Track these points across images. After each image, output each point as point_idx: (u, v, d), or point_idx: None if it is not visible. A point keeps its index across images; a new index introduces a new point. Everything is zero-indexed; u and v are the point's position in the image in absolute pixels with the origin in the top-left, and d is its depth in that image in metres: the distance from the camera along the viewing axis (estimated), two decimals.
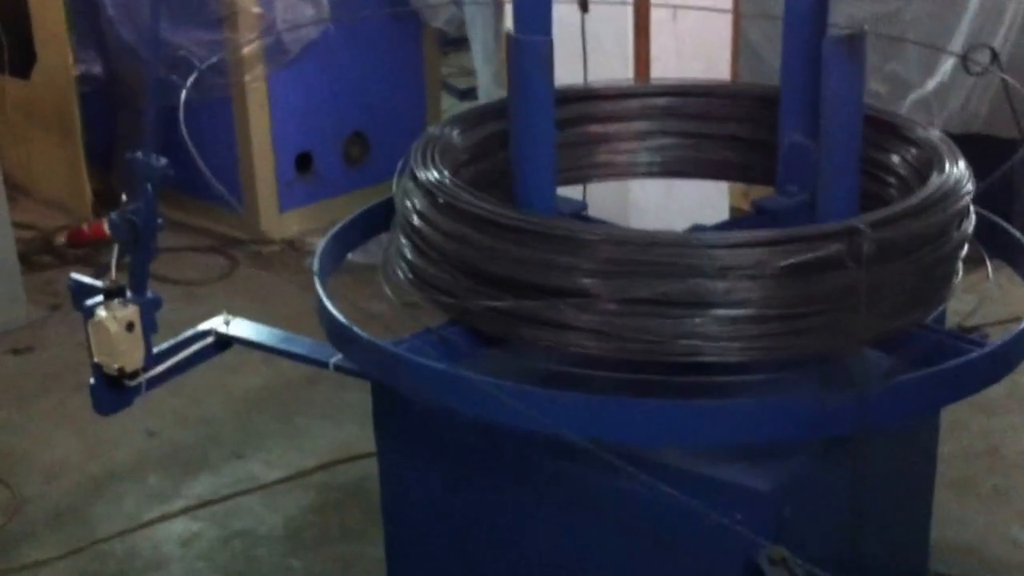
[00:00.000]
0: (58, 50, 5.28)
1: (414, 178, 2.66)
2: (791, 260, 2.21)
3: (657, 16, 3.89)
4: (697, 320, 2.27)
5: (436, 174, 2.62)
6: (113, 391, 2.92)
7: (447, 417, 2.61)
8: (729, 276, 2.22)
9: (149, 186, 2.83)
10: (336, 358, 2.85)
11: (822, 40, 2.52)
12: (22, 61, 5.47)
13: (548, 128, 2.61)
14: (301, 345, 3.01)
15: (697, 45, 3.96)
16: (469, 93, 6.25)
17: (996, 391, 2.72)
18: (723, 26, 4.05)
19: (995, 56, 2.63)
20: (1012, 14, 4.50)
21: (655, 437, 2.34)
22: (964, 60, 2.76)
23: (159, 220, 2.89)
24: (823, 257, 2.22)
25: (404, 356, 2.41)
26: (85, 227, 5.25)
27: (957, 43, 4.44)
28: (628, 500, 2.51)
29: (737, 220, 3.64)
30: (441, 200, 2.53)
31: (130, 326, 2.83)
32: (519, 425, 2.34)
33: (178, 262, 5.12)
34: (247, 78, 5.11)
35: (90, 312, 2.83)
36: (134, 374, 2.89)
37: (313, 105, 5.29)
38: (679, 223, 3.19)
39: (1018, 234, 2.72)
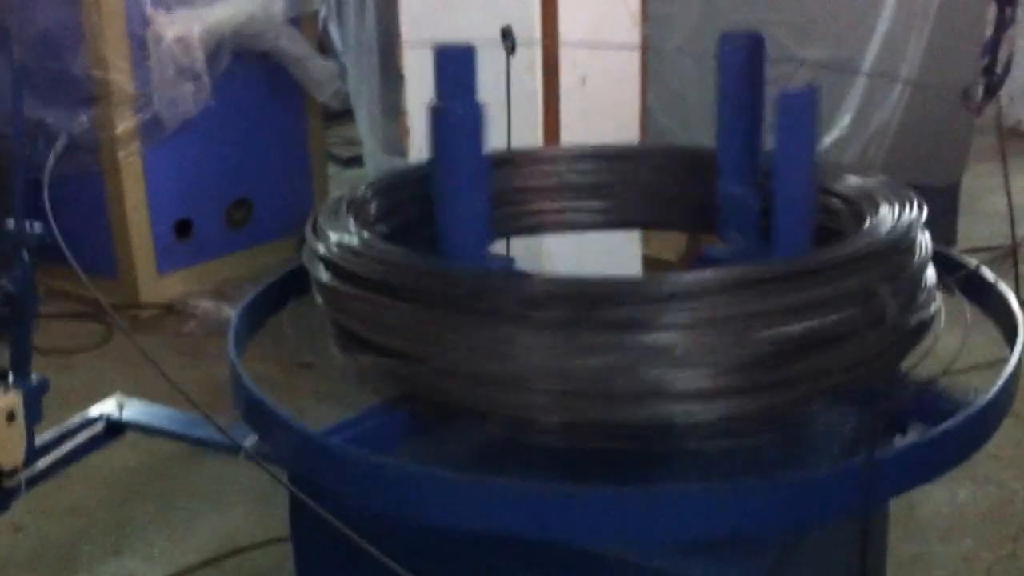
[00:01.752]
0: None
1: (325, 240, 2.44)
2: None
3: (567, 84, 3.80)
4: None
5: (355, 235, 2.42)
6: None
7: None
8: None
9: (25, 253, 2.54)
10: (250, 442, 2.58)
11: (779, 94, 2.41)
12: None
13: (482, 191, 2.47)
14: (207, 430, 2.73)
15: (607, 110, 3.87)
16: (353, 161, 6.43)
17: None
18: (632, 92, 3.99)
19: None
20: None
21: (621, 534, 2.07)
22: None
23: (38, 293, 2.60)
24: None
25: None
26: None
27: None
28: None
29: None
30: (366, 261, 2.31)
31: (10, 416, 2.53)
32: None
33: (49, 330, 4.70)
34: (121, 154, 4.87)
35: None
36: (12, 472, 2.57)
37: (192, 175, 5.12)
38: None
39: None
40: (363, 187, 2.74)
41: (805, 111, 2.40)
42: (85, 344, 4.81)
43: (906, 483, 2.19)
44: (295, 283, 2.77)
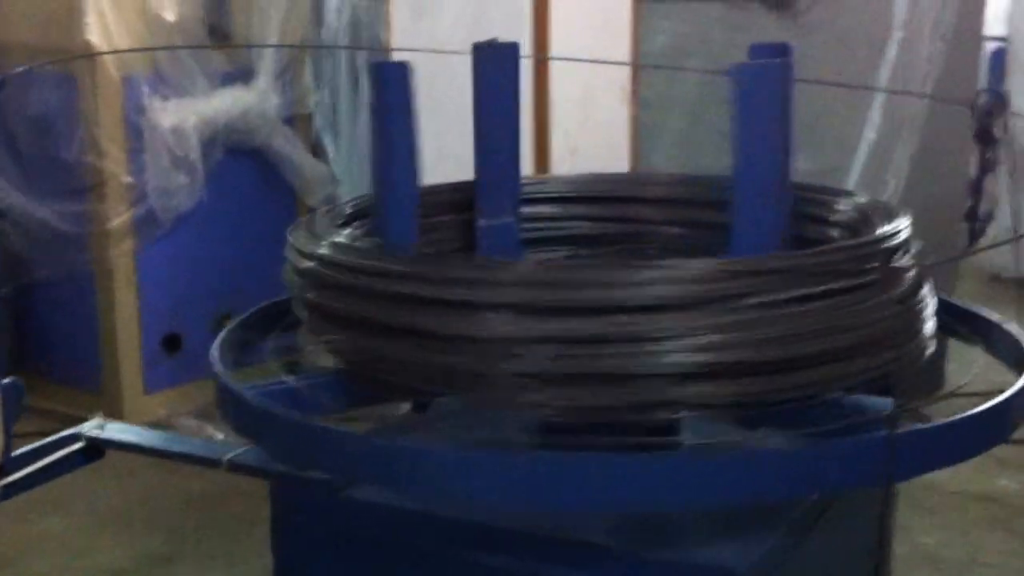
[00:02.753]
0: None
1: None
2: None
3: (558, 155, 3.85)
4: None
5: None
6: None
7: (359, 512, 2.36)
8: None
9: None
10: (231, 455, 2.54)
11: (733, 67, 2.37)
12: None
13: None
14: (188, 445, 2.68)
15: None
16: None
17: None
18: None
19: None
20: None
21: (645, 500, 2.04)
22: None
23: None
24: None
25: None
26: None
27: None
28: None
29: None
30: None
31: None
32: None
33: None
34: (114, 252, 4.83)
35: None
36: None
37: (183, 281, 5.03)
38: None
39: None
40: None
41: (765, 87, 2.32)
42: None
43: (925, 463, 2.17)
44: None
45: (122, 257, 4.86)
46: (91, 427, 2.69)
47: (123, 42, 4.73)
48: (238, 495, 4.33)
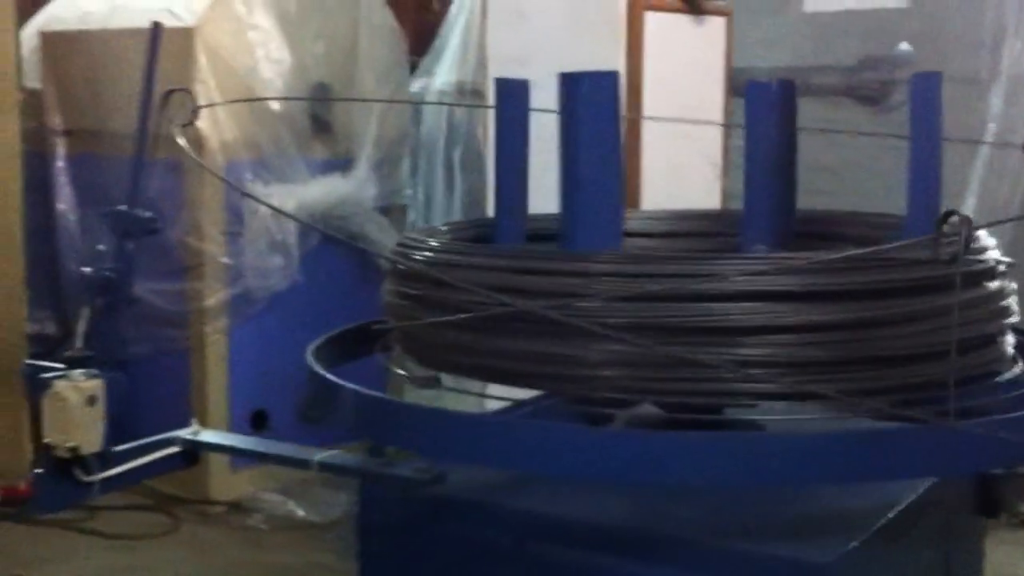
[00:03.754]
0: (11, 306, 5.09)
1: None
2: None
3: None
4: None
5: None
6: (62, 482, 2.56)
7: (444, 509, 2.40)
8: None
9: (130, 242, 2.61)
10: (320, 456, 2.59)
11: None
12: None
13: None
14: (279, 447, 2.73)
15: None
16: None
17: None
18: None
19: None
20: None
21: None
22: None
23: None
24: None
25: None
26: (22, 485, 4.87)
27: None
28: None
29: None
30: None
31: (92, 400, 2.53)
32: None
33: (115, 519, 4.76)
34: (208, 329, 4.94)
35: (45, 385, 2.53)
36: (89, 464, 2.55)
37: (273, 361, 5.07)
38: None
39: None
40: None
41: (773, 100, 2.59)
42: (151, 532, 4.77)
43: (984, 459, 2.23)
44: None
45: (216, 334, 4.97)
46: (187, 432, 2.73)
47: (229, 130, 4.92)
48: (322, 569, 4.35)
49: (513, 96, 2.69)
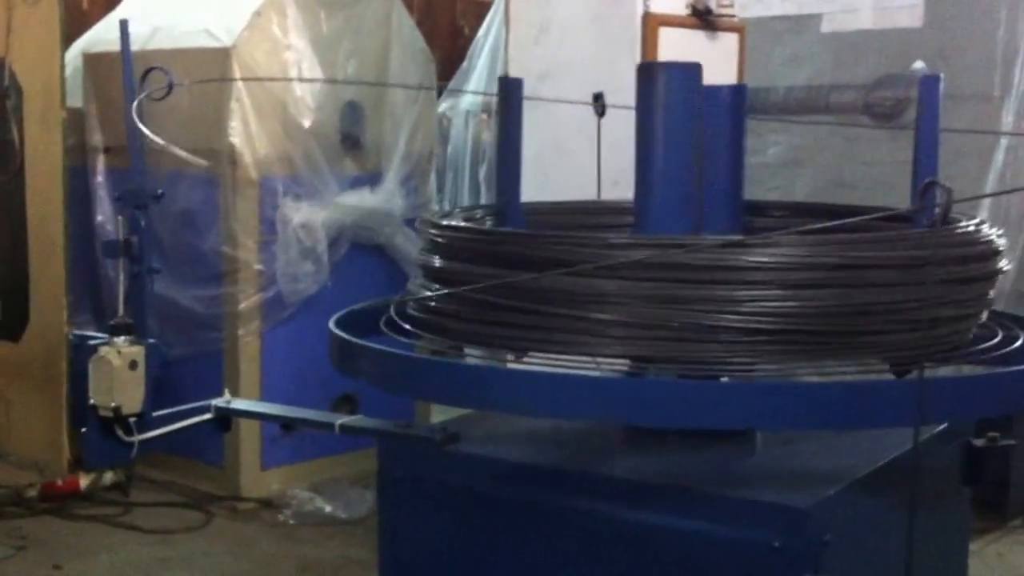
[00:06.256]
0: (54, 310, 5.29)
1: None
2: None
3: None
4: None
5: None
6: (106, 439, 2.76)
7: (461, 465, 2.56)
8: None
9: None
10: (342, 420, 2.78)
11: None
12: (13, 323, 5.47)
13: None
14: (304, 413, 2.92)
15: None
16: None
17: None
18: None
19: None
20: None
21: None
22: None
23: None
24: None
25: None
26: (59, 481, 5.07)
27: None
28: (652, 534, 2.38)
29: None
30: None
31: (133, 364, 2.73)
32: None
33: (151, 515, 4.96)
34: (241, 332, 5.14)
35: (91, 350, 2.74)
36: (130, 424, 2.74)
37: (305, 363, 5.25)
38: None
39: None
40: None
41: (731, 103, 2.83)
42: (185, 526, 4.92)
43: (956, 409, 2.41)
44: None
45: (249, 337, 5.16)
46: (220, 401, 2.92)
47: (263, 146, 5.13)
48: (353, 564, 4.49)
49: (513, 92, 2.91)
